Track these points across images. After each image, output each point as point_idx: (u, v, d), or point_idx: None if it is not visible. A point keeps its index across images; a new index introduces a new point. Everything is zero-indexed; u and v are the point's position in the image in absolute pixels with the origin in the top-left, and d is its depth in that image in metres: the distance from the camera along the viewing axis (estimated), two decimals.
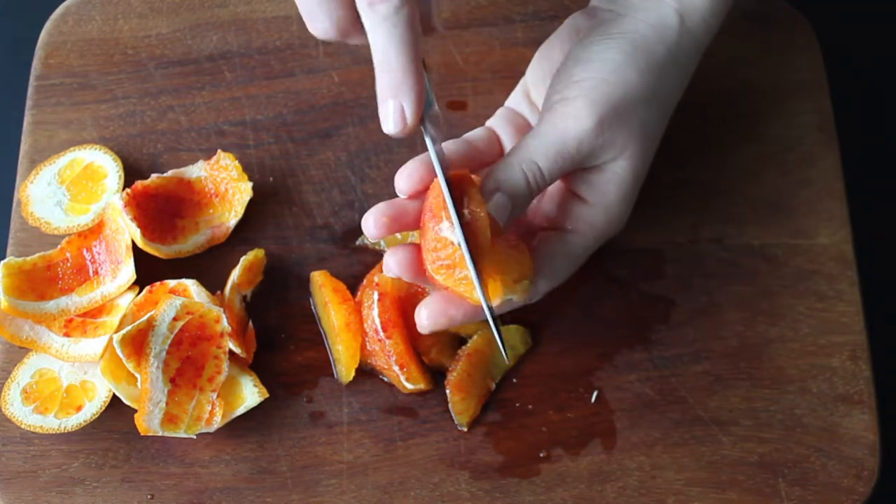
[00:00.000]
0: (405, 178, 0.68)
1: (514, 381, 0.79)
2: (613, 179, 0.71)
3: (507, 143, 0.76)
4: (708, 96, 0.74)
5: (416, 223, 0.68)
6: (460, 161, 0.71)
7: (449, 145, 0.72)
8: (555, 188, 0.74)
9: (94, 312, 0.78)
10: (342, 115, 0.85)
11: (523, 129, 0.74)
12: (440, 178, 0.66)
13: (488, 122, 0.77)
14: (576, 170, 0.71)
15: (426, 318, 0.69)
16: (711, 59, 0.76)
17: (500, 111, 0.78)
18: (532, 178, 0.69)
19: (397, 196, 0.69)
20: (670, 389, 0.78)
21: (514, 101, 0.79)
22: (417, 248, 0.68)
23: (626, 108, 0.69)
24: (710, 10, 0.72)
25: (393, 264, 0.68)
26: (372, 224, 0.68)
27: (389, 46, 0.63)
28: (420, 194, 0.68)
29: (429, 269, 0.66)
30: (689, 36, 0.72)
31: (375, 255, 0.81)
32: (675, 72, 0.72)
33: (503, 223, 0.67)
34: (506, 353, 0.69)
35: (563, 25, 0.76)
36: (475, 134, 0.75)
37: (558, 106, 0.70)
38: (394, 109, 0.65)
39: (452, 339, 0.79)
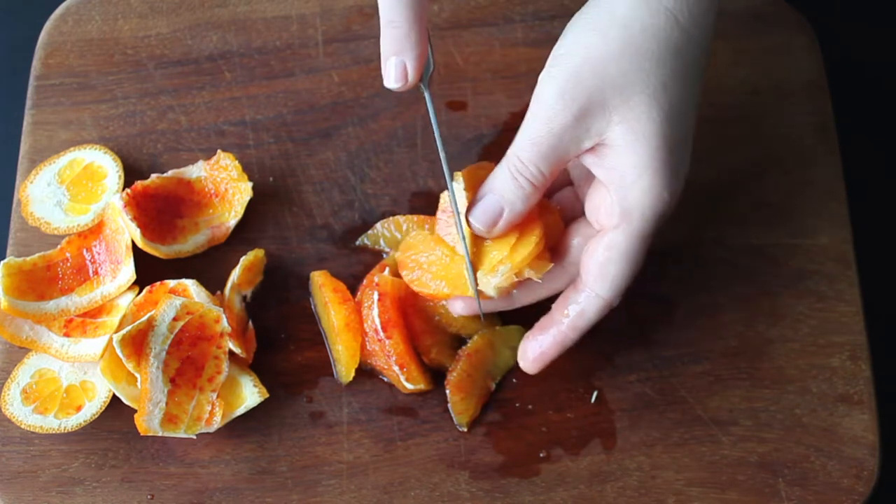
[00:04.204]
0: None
1: (514, 381, 0.79)
2: (619, 150, 0.67)
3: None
4: (708, 96, 0.74)
5: None
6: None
7: None
8: (589, 188, 0.72)
9: (94, 312, 0.78)
10: (342, 115, 0.85)
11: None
12: (438, 145, 0.71)
13: None
14: (582, 155, 0.68)
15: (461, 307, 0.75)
16: (711, 59, 0.75)
17: None
18: (518, 175, 0.69)
19: (397, 196, 0.76)
20: (670, 389, 0.78)
21: None
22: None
23: (589, 71, 0.66)
24: None
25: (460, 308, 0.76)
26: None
27: (397, 2, 0.67)
28: None
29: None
30: None
31: (375, 255, 0.81)
32: (653, 6, 0.66)
33: (497, 226, 0.70)
34: (474, 282, 0.72)
35: None
36: None
37: (532, 97, 0.69)
38: (395, 65, 0.68)
39: (452, 339, 0.79)
